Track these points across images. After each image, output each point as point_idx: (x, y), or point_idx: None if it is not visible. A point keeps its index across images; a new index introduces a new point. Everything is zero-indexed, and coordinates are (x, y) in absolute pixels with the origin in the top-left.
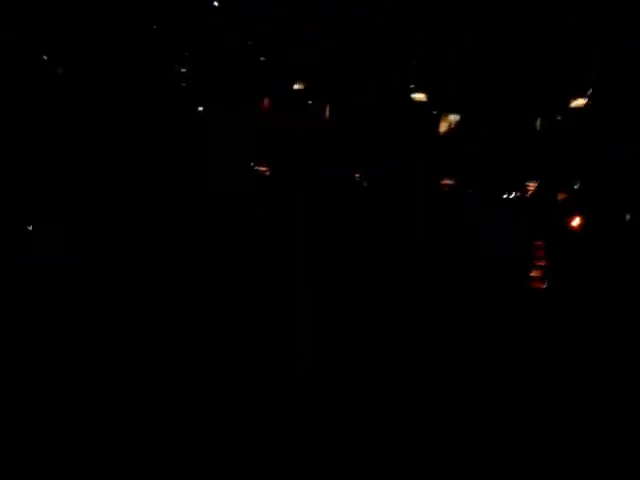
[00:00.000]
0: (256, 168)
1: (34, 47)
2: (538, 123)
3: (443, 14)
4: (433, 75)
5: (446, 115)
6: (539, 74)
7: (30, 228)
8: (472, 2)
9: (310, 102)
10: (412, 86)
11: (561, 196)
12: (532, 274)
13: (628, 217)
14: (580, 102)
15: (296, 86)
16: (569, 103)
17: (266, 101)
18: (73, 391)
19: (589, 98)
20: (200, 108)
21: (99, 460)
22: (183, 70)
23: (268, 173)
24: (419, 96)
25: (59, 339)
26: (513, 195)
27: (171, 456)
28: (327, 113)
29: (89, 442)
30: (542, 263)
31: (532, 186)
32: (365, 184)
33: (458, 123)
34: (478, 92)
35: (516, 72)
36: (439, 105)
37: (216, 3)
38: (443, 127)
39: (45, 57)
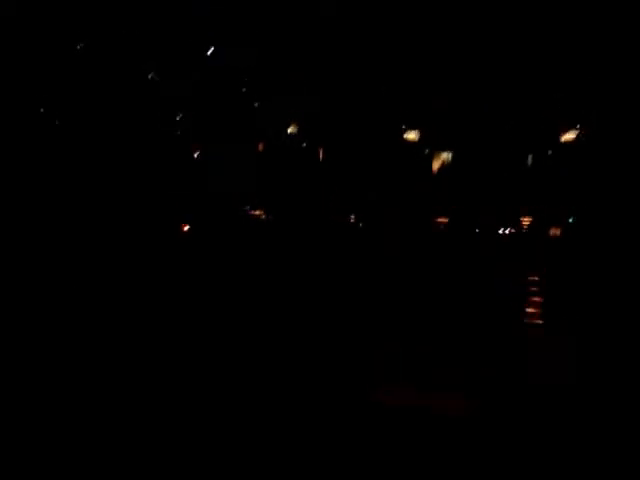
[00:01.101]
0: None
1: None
2: (530, 158)
3: (431, 57)
4: (425, 115)
5: (439, 153)
6: (530, 109)
7: None
8: (460, 44)
9: (304, 145)
10: (404, 126)
11: (555, 230)
12: (528, 310)
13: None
14: (570, 136)
15: (290, 129)
16: (560, 138)
17: (261, 145)
18: None
19: (579, 131)
20: (195, 154)
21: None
22: (179, 116)
23: (264, 216)
24: (411, 135)
25: None
26: (508, 230)
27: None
28: (321, 155)
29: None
30: (538, 299)
31: (527, 221)
32: (360, 225)
33: (451, 161)
34: (470, 130)
35: (507, 108)
36: (431, 144)
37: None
38: (436, 165)
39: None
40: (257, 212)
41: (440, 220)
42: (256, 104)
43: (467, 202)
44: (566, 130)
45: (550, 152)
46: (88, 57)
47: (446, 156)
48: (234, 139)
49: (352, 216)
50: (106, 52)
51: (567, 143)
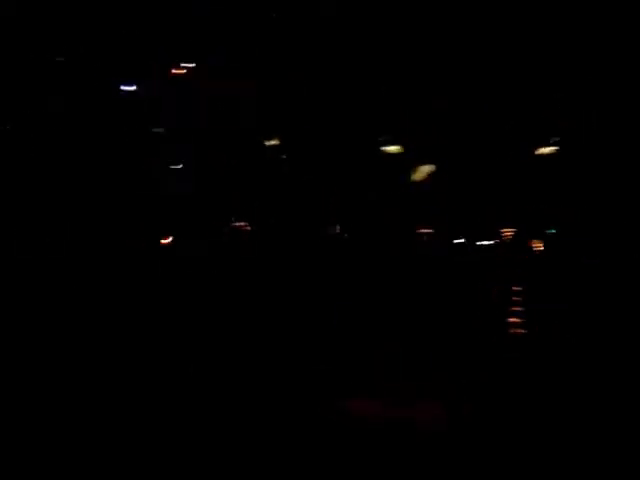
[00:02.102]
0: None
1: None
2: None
3: (411, 70)
4: (407, 128)
5: (420, 166)
6: (507, 124)
7: None
8: (439, 57)
9: (284, 157)
10: (383, 138)
11: (536, 242)
12: (511, 320)
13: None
14: (545, 150)
15: (271, 142)
16: (535, 151)
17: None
18: None
19: (555, 146)
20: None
21: None
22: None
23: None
24: (393, 148)
25: None
26: (489, 242)
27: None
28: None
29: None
30: (520, 309)
31: (508, 232)
32: (346, 236)
33: (433, 173)
34: (451, 143)
35: (486, 123)
36: (413, 156)
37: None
38: (418, 176)
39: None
40: (242, 223)
41: (423, 231)
42: (238, 113)
43: (450, 213)
44: (546, 145)
45: (531, 164)
46: (86, 58)
47: (429, 168)
48: (216, 150)
49: (337, 227)
50: (104, 53)
51: (547, 156)
